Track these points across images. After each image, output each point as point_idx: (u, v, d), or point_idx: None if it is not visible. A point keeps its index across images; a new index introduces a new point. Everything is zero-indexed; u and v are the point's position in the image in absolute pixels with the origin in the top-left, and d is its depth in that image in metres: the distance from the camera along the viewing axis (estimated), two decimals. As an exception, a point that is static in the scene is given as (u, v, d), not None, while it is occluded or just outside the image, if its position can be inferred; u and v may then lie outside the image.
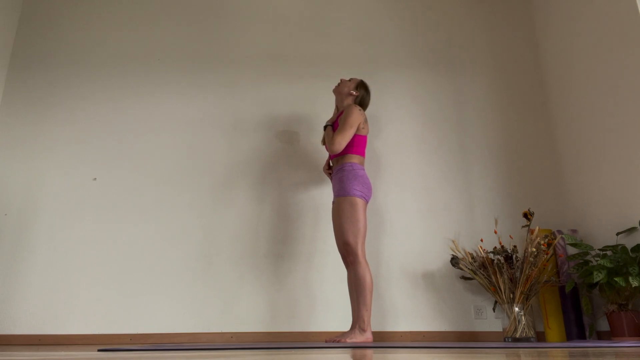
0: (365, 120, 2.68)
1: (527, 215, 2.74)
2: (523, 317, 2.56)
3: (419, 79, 3.38)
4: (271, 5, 3.60)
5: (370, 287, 2.43)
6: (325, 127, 2.72)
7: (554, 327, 2.66)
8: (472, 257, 2.76)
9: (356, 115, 2.62)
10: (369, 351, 1.67)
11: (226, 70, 3.41)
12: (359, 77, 3.31)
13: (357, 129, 2.64)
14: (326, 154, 3.14)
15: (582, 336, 2.65)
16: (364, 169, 2.63)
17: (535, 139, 3.25)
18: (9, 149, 3.23)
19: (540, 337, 2.79)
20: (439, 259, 2.97)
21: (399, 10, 3.57)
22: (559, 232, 2.85)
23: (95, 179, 3.15)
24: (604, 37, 2.81)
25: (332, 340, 2.35)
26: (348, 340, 2.34)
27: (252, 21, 3.55)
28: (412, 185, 3.13)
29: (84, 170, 3.17)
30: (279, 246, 3.00)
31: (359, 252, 2.47)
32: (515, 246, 2.70)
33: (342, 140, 2.57)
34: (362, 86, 2.83)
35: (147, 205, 3.09)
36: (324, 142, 2.85)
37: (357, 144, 2.65)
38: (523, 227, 2.87)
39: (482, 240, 2.98)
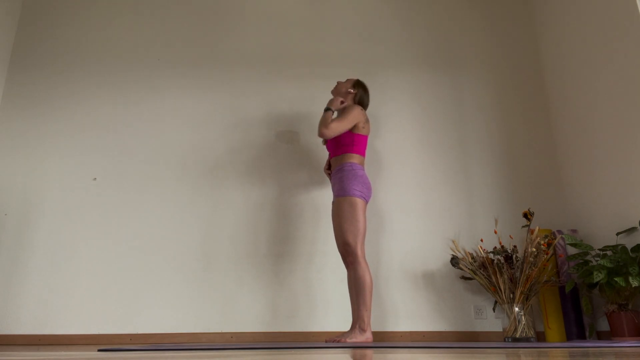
0: (367, 121, 2.69)
1: (527, 215, 2.74)
2: (523, 317, 2.56)
3: (419, 79, 3.38)
4: (271, 5, 3.60)
5: (370, 287, 2.43)
6: (326, 110, 2.67)
7: (554, 327, 2.66)
8: (472, 257, 2.76)
9: (357, 113, 2.63)
10: (369, 351, 1.67)
11: (226, 70, 3.41)
12: (359, 76, 3.32)
13: (357, 128, 2.64)
14: (326, 154, 3.14)
15: (582, 336, 2.65)
16: (363, 169, 2.63)
17: (535, 139, 3.25)
18: (9, 148, 3.23)
19: (540, 337, 2.79)
20: (439, 259, 2.97)
21: (399, 10, 3.57)
22: (559, 232, 2.84)
23: (95, 179, 3.15)
24: (604, 37, 2.80)
25: (332, 340, 2.35)
26: (348, 340, 2.34)
27: (252, 21, 3.55)
28: (412, 185, 3.13)
29: (84, 170, 3.17)
30: (279, 246, 3.00)
31: (359, 252, 2.47)
32: (515, 246, 2.69)
33: (337, 128, 2.56)
34: (359, 85, 2.83)
35: (147, 205, 3.09)
36: (325, 142, 2.86)
37: (357, 144, 2.65)
38: (523, 227, 2.86)
39: (482, 240, 2.98)
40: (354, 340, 2.35)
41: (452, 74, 3.40)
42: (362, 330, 2.37)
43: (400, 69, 3.41)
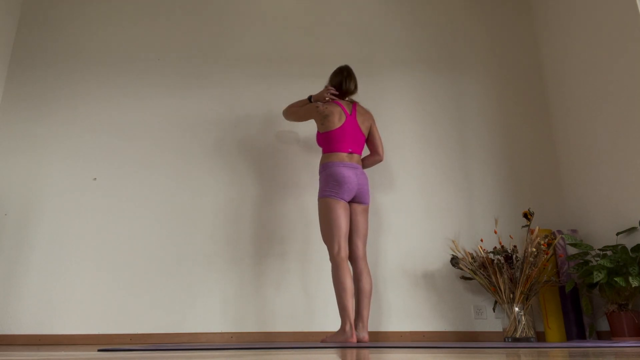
0: (325, 116, 2.61)
1: (527, 215, 2.74)
2: (523, 317, 2.56)
3: (419, 79, 3.38)
4: (271, 5, 3.60)
5: (346, 286, 2.35)
6: (310, 97, 2.81)
7: (554, 327, 2.66)
8: (472, 257, 2.76)
9: (306, 110, 2.73)
10: (366, 351, 1.67)
11: (226, 70, 3.41)
12: (358, 76, 3.28)
13: (319, 127, 2.65)
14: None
15: (582, 336, 2.65)
16: (338, 165, 2.53)
17: (535, 139, 3.25)
18: (9, 148, 3.23)
19: (540, 337, 2.79)
20: (439, 259, 2.97)
21: (399, 10, 3.57)
22: (559, 232, 2.84)
23: (95, 179, 3.15)
24: (604, 37, 2.80)
25: (324, 340, 2.36)
26: (328, 339, 2.34)
27: (252, 21, 3.55)
28: (412, 185, 3.13)
29: (84, 170, 3.17)
30: (279, 246, 3.00)
31: (334, 252, 2.44)
32: (515, 246, 2.69)
33: (286, 110, 2.86)
34: (333, 72, 2.81)
35: (147, 205, 3.09)
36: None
37: (329, 141, 2.61)
38: (523, 227, 2.86)
39: (482, 240, 2.98)
40: (333, 339, 2.33)
41: (453, 74, 3.40)
42: (342, 330, 2.33)
43: (400, 69, 3.41)
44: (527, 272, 2.57)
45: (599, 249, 2.54)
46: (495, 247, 2.72)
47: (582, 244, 2.59)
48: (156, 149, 3.22)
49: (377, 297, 2.88)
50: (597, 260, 2.48)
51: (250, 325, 2.83)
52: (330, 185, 2.50)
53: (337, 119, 2.62)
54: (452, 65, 3.42)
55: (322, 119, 2.62)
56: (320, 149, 3.17)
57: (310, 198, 3.09)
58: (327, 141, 2.61)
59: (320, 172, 2.59)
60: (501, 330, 2.81)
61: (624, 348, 1.77)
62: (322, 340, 2.37)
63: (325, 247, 2.98)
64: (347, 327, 2.31)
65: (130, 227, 3.04)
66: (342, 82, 2.74)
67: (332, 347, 1.98)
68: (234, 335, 2.81)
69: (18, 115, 3.31)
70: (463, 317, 2.85)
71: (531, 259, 2.57)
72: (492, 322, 2.84)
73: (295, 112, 2.79)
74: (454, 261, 2.81)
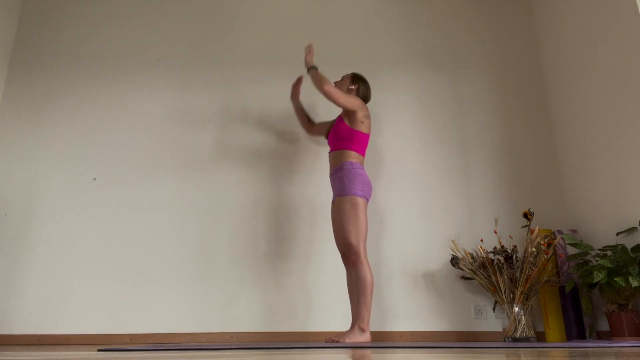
0: (367, 116, 2.64)
1: (527, 215, 2.74)
2: (523, 317, 2.56)
3: (420, 79, 3.38)
4: (271, 4, 3.60)
5: (372, 287, 2.43)
6: (309, 69, 2.63)
7: (554, 327, 2.66)
8: (472, 257, 2.76)
9: (357, 100, 2.62)
10: (368, 351, 1.67)
11: (226, 70, 3.41)
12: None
13: (356, 122, 2.61)
14: (324, 154, 3.14)
15: (582, 336, 2.65)
16: (363, 168, 2.61)
17: (535, 139, 3.25)
18: (9, 148, 3.23)
19: (540, 337, 2.79)
20: (439, 259, 2.97)
21: (399, 10, 3.57)
22: (559, 232, 2.84)
23: (95, 179, 3.15)
24: (604, 37, 2.80)
25: (332, 340, 2.35)
26: (347, 340, 2.33)
27: (251, 20, 3.55)
28: (412, 185, 3.13)
29: (84, 170, 3.17)
30: (279, 246, 3.00)
31: (361, 251, 2.46)
32: (515, 246, 2.69)
33: (334, 91, 2.53)
34: (357, 79, 2.79)
35: (147, 205, 3.09)
36: (326, 135, 2.87)
37: (357, 141, 2.62)
38: (523, 227, 2.86)
39: (482, 240, 2.98)
40: (353, 340, 2.34)
41: (453, 72, 3.40)
42: (362, 330, 2.36)
43: (400, 69, 3.40)
44: (527, 272, 2.57)
45: (599, 249, 2.54)
46: (495, 247, 2.72)
47: (582, 244, 2.59)
48: (156, 149, 3.22)
49: (377, 297, 2.88)
50: (597, 260, 2.48)
51: (250, 325, 2.83)
52: (362, 185, 2.53)
53: (369, 124, 2.65)
54: (453, 65, 3.42)
55: (364, 119, 2.63)
56: (326, 144, 3.16)
57: (316, 199, 3.09)
58: (357, 141, 2.62)
59: (351, 170, 2.56)
60: (501, 330, 2.81)
61: (624, 348, 1.77)
62: (331, 341, 2.35)
63: (330, 248, 2.97)
64: (369, 328, 2.40)
65: (130, 227, 3.04)
66: (368, 91, 2.81)
67: (333, 347, 1.98)
68: (234, 335, 2.81)
69: (18, 115, 3.31)
70: (463, 317, 2.85)
71: (531, 259, 2.58)
72: (492, 322, 2.84)
73: (342, 94, 2.57)
74: (454, 261, 2.81)
